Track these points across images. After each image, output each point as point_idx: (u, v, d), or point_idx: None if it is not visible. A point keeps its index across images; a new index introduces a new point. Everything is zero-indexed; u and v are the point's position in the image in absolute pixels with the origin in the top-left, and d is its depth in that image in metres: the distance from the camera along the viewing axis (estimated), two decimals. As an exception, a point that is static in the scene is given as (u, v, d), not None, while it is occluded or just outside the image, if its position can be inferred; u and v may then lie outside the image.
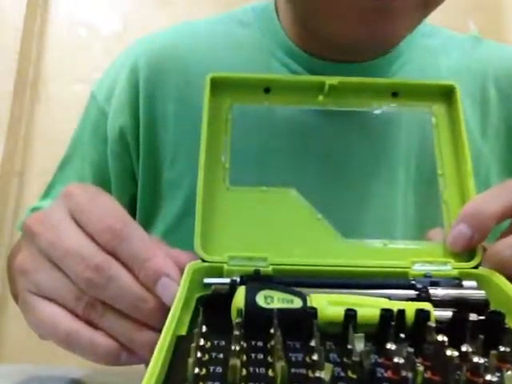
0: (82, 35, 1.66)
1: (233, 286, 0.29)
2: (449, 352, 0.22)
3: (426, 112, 0.37)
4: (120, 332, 0.32)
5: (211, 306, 0.28)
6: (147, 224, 0.55)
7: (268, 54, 0.52)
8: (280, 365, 0.21)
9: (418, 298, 0.29)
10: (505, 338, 0.24)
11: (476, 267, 0.32)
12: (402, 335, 0.24)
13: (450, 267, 0.32)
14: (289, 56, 0.51)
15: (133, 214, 0.56)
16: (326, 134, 0.37)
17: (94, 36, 1.66)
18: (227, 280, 0.30)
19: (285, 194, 0.35)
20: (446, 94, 0.37)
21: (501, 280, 0.30)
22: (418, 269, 0.32)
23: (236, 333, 0.23)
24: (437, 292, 0.30)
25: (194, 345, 0.22)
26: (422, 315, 0.26)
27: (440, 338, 0.23)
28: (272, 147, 0.36)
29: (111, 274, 0.31)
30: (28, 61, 1.64)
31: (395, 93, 0.37)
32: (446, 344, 0.23)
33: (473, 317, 0.26)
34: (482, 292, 0.30)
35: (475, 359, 0.22)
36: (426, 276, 0.32)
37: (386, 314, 0.26)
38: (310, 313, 0.26)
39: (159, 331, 0.24)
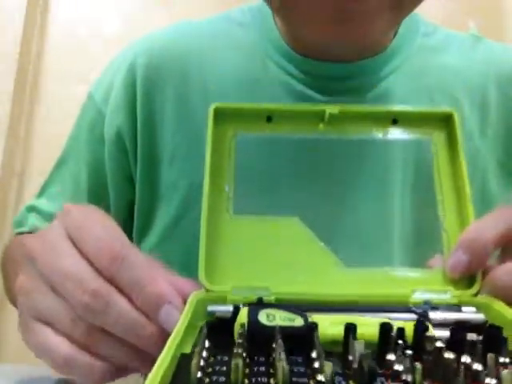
0: (82, 35, 1.66)
1: (236, 311, 0.29)
2: (446, 355, 0.23)
3: (425, 139, 0.38)
4: (117, 358, 0.32)
5: (215, 329, 0.28)
6: (145, 226, 0.55)
7: (264, 55, 0.53)
8: (281, 364, 0.21)
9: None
10: (503, 348, 0.25)
11: (475, 295, 0.33)
12: (400, 341, 0.25)
13: (450, 295, 0.33)
14: (283, 57, 0.52)
15: (130, 218, 0.57)
16: (327, 161, 0.38)
17: (94, 36, 1.65)
18: (230, 307, 0.30)
19: (288, 223, 0.35)
20: (445, 121, 0.38)
21: (500, 306, 0.31)
22: (418, 297, 0.33)
23: (239, 341, 0.24)
24: (436, 315, 0.31)
25: (197, 349, 0.23)
26: (421, 327, 0.27)
27: (438, 344, 0.24)
28: (275, 175, 0.37)
29: (109, 299, 0.31)
30: (28, 61, 1.64)
31: (395, 120, 0.38)
32: (445, 349, 0.24)
33: (471, 336, 0.26)
34: (481, 315, 0.30)
35: (474, 366, 0.23)
36: (425, 303, 0.32)
37: (385, 326, 0.26)
38: (311, 327, 0.27)
39: (156, 358, 0.24)
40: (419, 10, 0.43)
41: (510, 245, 0.34)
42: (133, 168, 0.55)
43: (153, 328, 0.31)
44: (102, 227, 0.33)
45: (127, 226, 0.57)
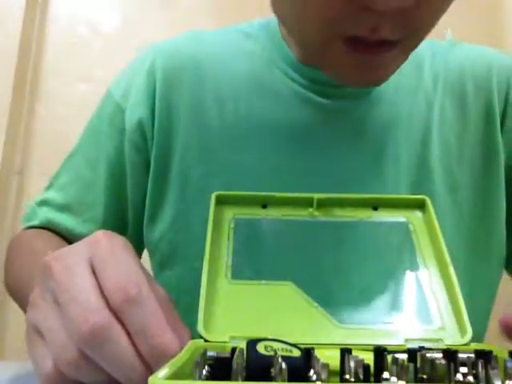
0: (81, 33, 1.64)
1: (234, 350, 0.29)
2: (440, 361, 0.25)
3: (403, 220, 0.42)
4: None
5: (212, 366, 0.29)
6: (154, 213, 0.59)
7: (271, 64, 0.59)
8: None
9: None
10: (493, 362, 0.26)
11: (468, 344, 0.34)
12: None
13: (443, 344, 0.34)
14: (289, 66, 0.58)
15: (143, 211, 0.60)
16: (317, 239, 0.41)
17: (93, 34, 1.63)
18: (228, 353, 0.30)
19: (282, 287, 0.37)
20: (420, 205, 0.42)
21: (497, 350, 0.31)
22: (412, 346, 0.33)
23: (237, 370, 0.25)
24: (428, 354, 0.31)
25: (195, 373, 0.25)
26: (413, 349, 0.29)
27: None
28: (270, 249, 0.40)
29: (109, 336, 0.31)
30: (28, 59, 1.61)
31: (375, 207, 0.42)
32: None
33: (462, 357, 0.27)
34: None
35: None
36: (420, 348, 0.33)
37: (379, 348, 0.28)
38: (308, 352, 0.27)
39: None
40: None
41: None
42: (151, 156, 0.59)
43: (147, 376, 0.29)
44: (125, 266, 0.33)
45: (142, 216, 0.61)
